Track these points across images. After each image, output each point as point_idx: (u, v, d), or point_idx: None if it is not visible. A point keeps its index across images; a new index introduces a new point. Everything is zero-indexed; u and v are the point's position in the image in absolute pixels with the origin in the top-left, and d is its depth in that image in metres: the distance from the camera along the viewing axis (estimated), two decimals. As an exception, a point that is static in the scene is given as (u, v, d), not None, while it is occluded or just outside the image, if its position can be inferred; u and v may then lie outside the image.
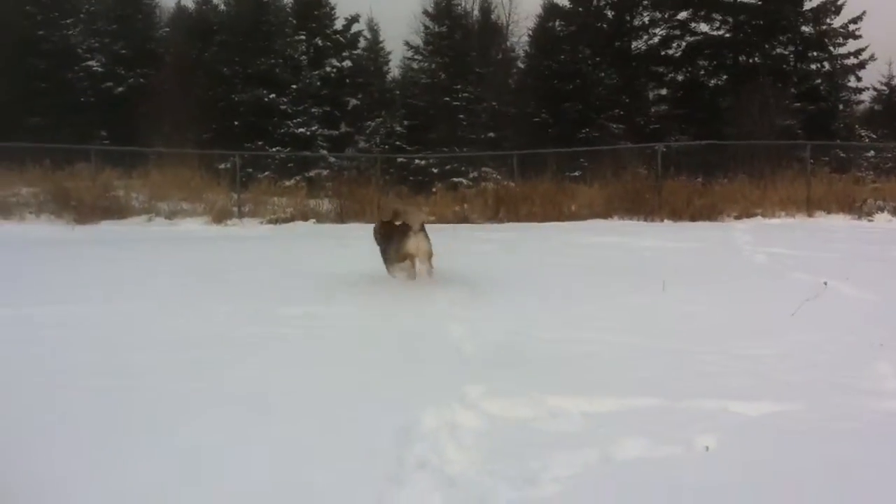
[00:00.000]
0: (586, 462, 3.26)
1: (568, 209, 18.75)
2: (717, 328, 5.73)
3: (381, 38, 39.64)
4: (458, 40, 30.00)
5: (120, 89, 28.77)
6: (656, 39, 33.89)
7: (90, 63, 28.45)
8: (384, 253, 7.82)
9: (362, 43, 35.38)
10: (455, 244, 11.84)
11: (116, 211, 18.33)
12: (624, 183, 18.43)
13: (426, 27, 31.18)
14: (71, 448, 3.42)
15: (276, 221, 18.28)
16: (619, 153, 22.31)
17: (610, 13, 33.42)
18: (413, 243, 7.29)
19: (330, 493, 3.02)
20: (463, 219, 18.28)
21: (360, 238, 12.78)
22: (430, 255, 7.40)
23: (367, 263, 8.37)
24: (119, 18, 30.10)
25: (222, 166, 23.88)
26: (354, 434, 3.62)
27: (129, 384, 4.34)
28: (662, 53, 33.67)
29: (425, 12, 31.29)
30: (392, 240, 7.58)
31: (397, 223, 7.62)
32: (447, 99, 28.92)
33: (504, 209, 18.63)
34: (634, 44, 34.24)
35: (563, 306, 6.62)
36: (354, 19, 33.22)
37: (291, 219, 18.47)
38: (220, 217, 18.25)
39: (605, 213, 18.03)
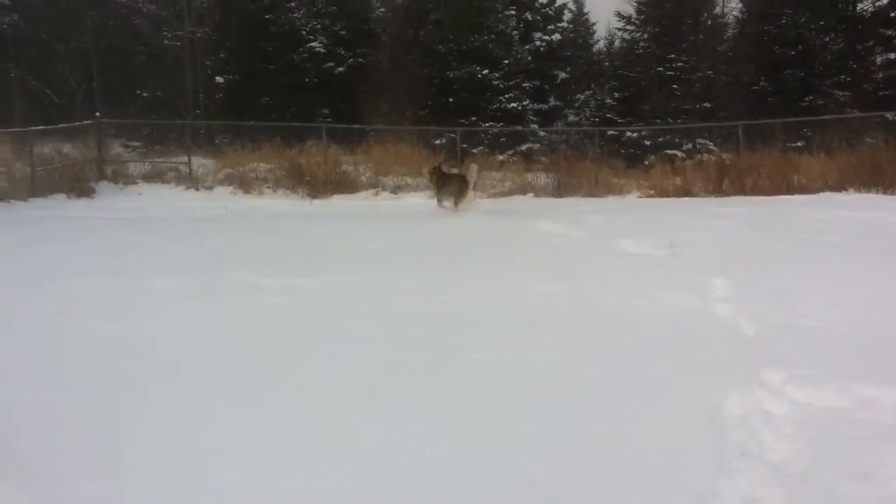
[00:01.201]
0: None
1: (796, 181, 17.89)
2: None
3: (585, 10, 39.34)
4: (669, 9, 29.11)
5: (340, 69, 30.02)
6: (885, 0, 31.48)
7: (313, 44, 29.84)
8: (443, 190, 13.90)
9: (567, 16, 35.16)
10: (687, 218, 11.64)
11: (346, 185, 19.21)
12: (859, 153, 17.32)
13: (637, -5, 30.52)
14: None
15: (494, 196, 18.55)
16: (847, 122, 21.06)
17: (832, -27, 31.30)
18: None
19: (664, 473, 3.11)
20: (685, 192, 17.80)
21: (588, 212, 12.87)
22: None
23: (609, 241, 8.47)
24: (338, 0, 31.33)
25: (438, 142, 24.56)
26: (668, 417, 3.69)
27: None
28: (892, 14, 31.21)
29: (636, -20, 30.62)
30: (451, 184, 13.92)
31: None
32: (660, 69, 28.21)
33: (728, 181, 18.00)
34: (860, 6, 31.88)
35: (841, 287, 6.39)
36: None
37: (510, 193, 18.68)
38: (436, 191, 18.70)
39: (839, 186, 17.03)
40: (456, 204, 13.67)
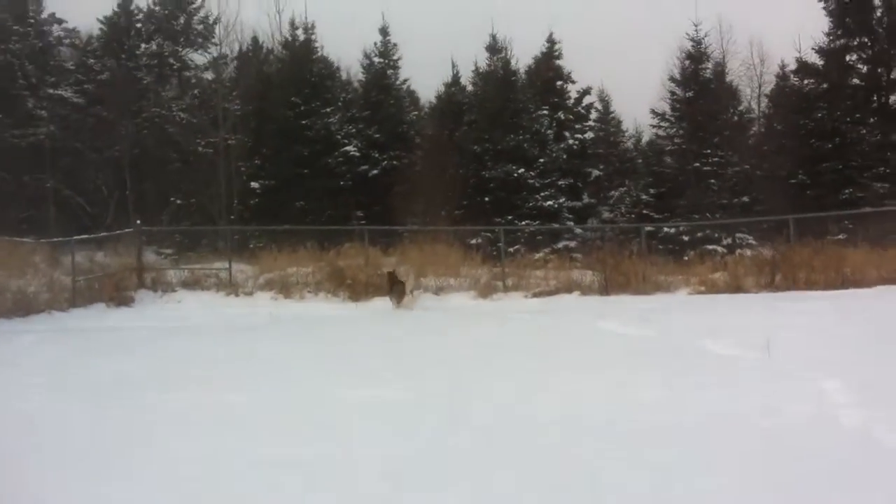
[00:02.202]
0: None
1: (850, 275, 17.42)
2: None
3: (611, 109, 39.70)
4: (703, 105, 29.24)
5: (374, 171, 30.16)
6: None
7: (348, 148, 30.08)
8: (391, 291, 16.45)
9: (593, 115, 35.42)
10: (758, 315, 11.17)
11: (387, 288, 18.89)
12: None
13: (672, 93, 30.68)
14: None
15: (540, 294, 18.18)
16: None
17: (864, 67, 31.43)
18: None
19: None
20: (735, 287, 17.30)
21: (648, 311, 12.41)
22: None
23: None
24: (372, 105, 31.74)
25: (473, 241, 24.32)
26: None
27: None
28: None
29: (672, 79, 30.84)
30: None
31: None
32: (696, 164, 28.12)
33: (780, 276, 17.54)
34: (893, 97, 31.93)
35: None
36: (586, 92, 33.35)
37: (555, 291, 18.29)
38: (486, 291, 18.36)
39: (894, 279, 16.55)
40: (398, 302, 16.48)
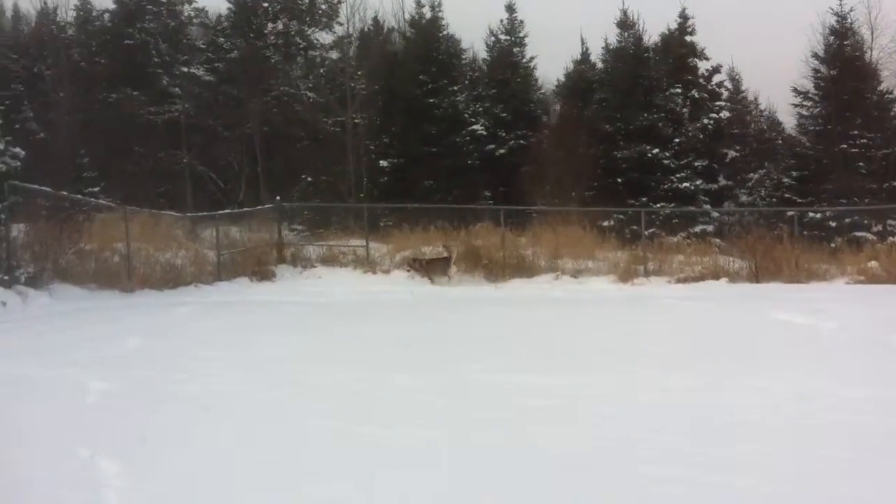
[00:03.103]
0: None
1: None
2: None
3: (742, 88, 38.04)
4: (850, 83, 27.65)
5: (501, 151, 29.82)
6: None
7: (475, 127, 29.82)
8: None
9: (724, 94, 33.98)
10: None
11: (524, 269, 18.57)
12: None
13: (816, 71, 29.14)
14: None
15: (685, 280, 17.49)
16: None
17: None
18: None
19: None
20: (896, 278, 16.23)
21: (815, 300, 11.66)
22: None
23: None
24: (498, 83, 31.37)
25: (606, 224, 23.69)
26: None
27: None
28: None
29: (815, 55, 29.30)
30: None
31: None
32: (843, 146, 26.65)
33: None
34: None
35: None
36: (716, 70, 31.98)
37: (701, 277, 17.57)
38: (627, 276, 17.79)
39: None
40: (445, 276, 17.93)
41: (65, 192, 15.85)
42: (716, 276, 17.48)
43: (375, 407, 5.82)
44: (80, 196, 16.71)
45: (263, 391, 6.40)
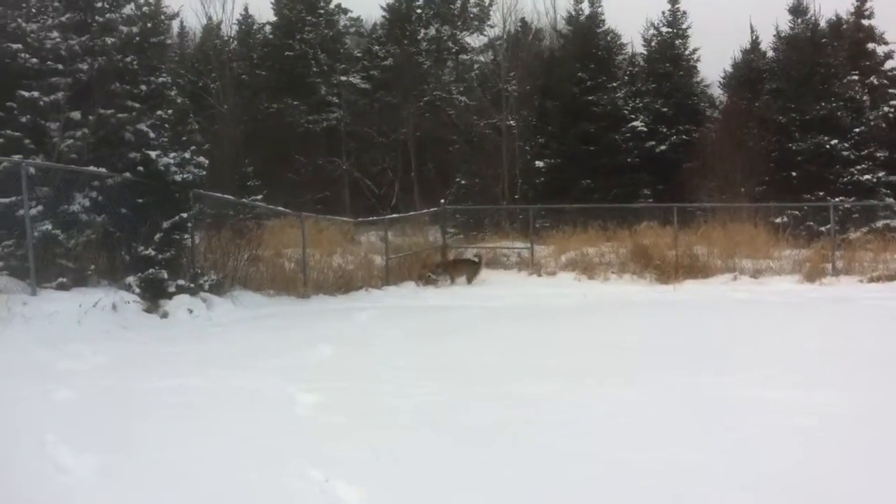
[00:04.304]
0: None
1: None
2: None
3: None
4: None
5: (662, 147, 28.81)
6: None
7: (635, 123, 28.93)
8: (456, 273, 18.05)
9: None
10: None
11: (698, 269, 17.68)
12: None
13: None
14: None
15: (879, 279, 16.17)
16: None
17: None
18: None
19: None
20: None
21: None
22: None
23: None
24: (658, 77, 30.33)
25: (778, 220, 22.35)
26: None
27: None
28: None
29: None
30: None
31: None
32: None
33: None
34: None
35: None
36: (888, 56, 29.72)
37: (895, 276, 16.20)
38: (813, 275, 16.61)
39: None
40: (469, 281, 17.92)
41: (245, 200, 16.17)
42: (912, 275, 16.08)
43: (608, 425, 5.34)
44: (260, 203, 16.92)
45: (477, 403, 6.04)
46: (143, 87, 11.49)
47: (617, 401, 5.97)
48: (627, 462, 4.43)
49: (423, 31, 38.32)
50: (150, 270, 10.76)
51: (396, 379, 7.14)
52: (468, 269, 18.22)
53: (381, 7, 39.03)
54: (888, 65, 29.46)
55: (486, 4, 38.51)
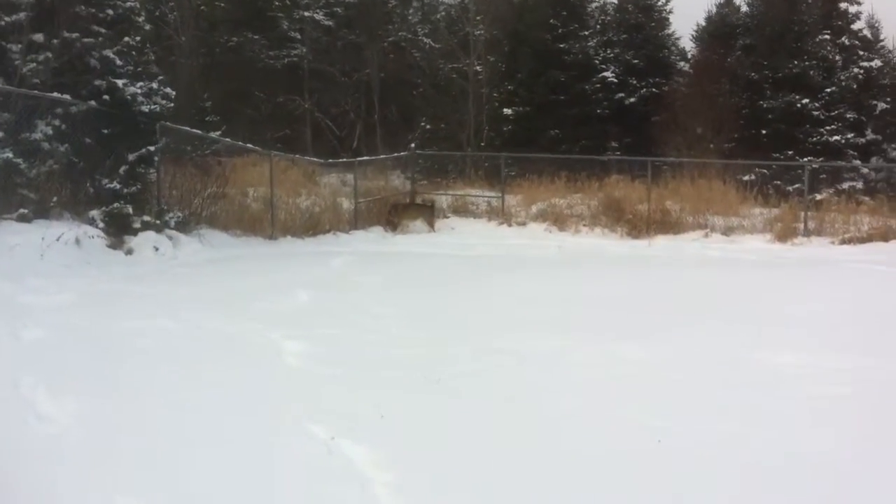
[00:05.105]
0: None
1: None
2: None
3: (882, 37, 35.34)
4: None
5: (631, 100, 28.47)
6: None
7: (605, 74, 28.52)
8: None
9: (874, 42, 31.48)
10: None
11: (670, 225, 17.50)
12: None
13: None
14: None
15: (851, 241, 16.14)
16: None
17: None
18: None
19: None
20: None
21: None
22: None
23: None
24: (630, 27, 29.86)
25: (746, 178, 22.26)
26: None
27: None
28: None
29: None
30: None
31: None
32: None
33: None
34: None
35: None
36: (856, 17, 29.61)
37: (868, 238, 16.17)
38: (785, 235, 16.54)
39: None
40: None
41: (213, 135, 15.55)
42: (884, 238, 16.06)
43: (628, 386, 5.05)
44: (228, 139, 16.26)
45: (469, 359, 5.74)
46: (110, 12, 10.77)
47: (627, 361, 5.69)
48: (650, 429, 4.15)
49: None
50: (115, 205, 10.20)
51: (382, 328, 6.82)
52: (422, 212, 17.87)
53: (346, -57, 37.70)
54: (857, 25, 29.38)
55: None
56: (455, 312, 7.66)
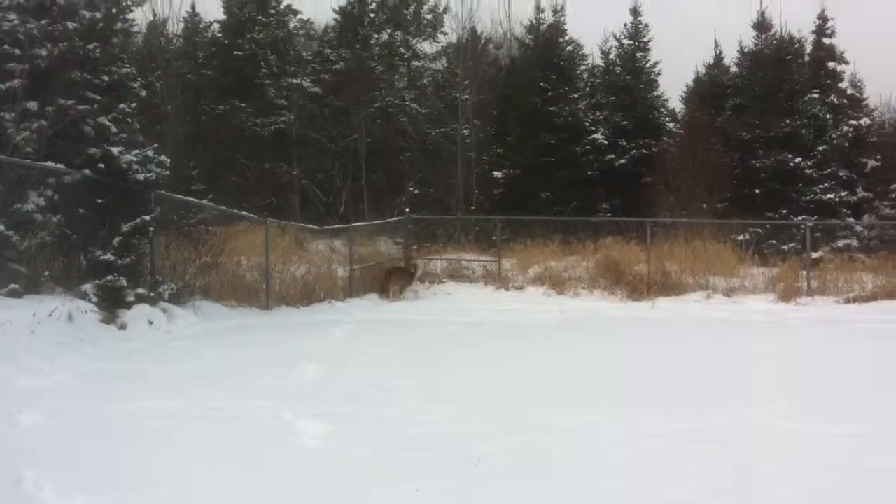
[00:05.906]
0: None
1: None
2: None
3: (865, 95, 35.74)
4: None
5: (621, 161, 28.42)
6: None
7: (595, 136, 28.51)
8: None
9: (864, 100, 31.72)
10: None
11: (671, 287, 17.24)
12: None
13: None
14: None
15: (856, 300, 15.88)
16: None
17: None
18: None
19: None
20: None
21: None
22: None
23: None
24: (619, 89, 29.96)
25: (741, 238, 22.10)
26: None
27: None
28: None
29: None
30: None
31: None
32: None
33: None
34: None
35: None
36: (842, 76, 29.86)
37: (873, 297, 15.93)
38: (788, 295, 16.29)
39: None
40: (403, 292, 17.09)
41: (210, 203, 15.25)
42: (890, 296, 15.83)
43: (670, 462, 4.68)
44: (224, 207, 15.93)
45: (499, 436, 5.38)
46: (105, 78, 10.51)
47: (659, 435, 5.33)
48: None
49: (375, 35, 37.37)
50: (109, 277, 9.80)
51: (398, 402, 6.45)
52: (402, 278, 17.41)
53: (333, 10, 37.99)
54: (843, 84, 29.55)
55: (440, 11, 37.80)
56: (469, 384, 7.35)
